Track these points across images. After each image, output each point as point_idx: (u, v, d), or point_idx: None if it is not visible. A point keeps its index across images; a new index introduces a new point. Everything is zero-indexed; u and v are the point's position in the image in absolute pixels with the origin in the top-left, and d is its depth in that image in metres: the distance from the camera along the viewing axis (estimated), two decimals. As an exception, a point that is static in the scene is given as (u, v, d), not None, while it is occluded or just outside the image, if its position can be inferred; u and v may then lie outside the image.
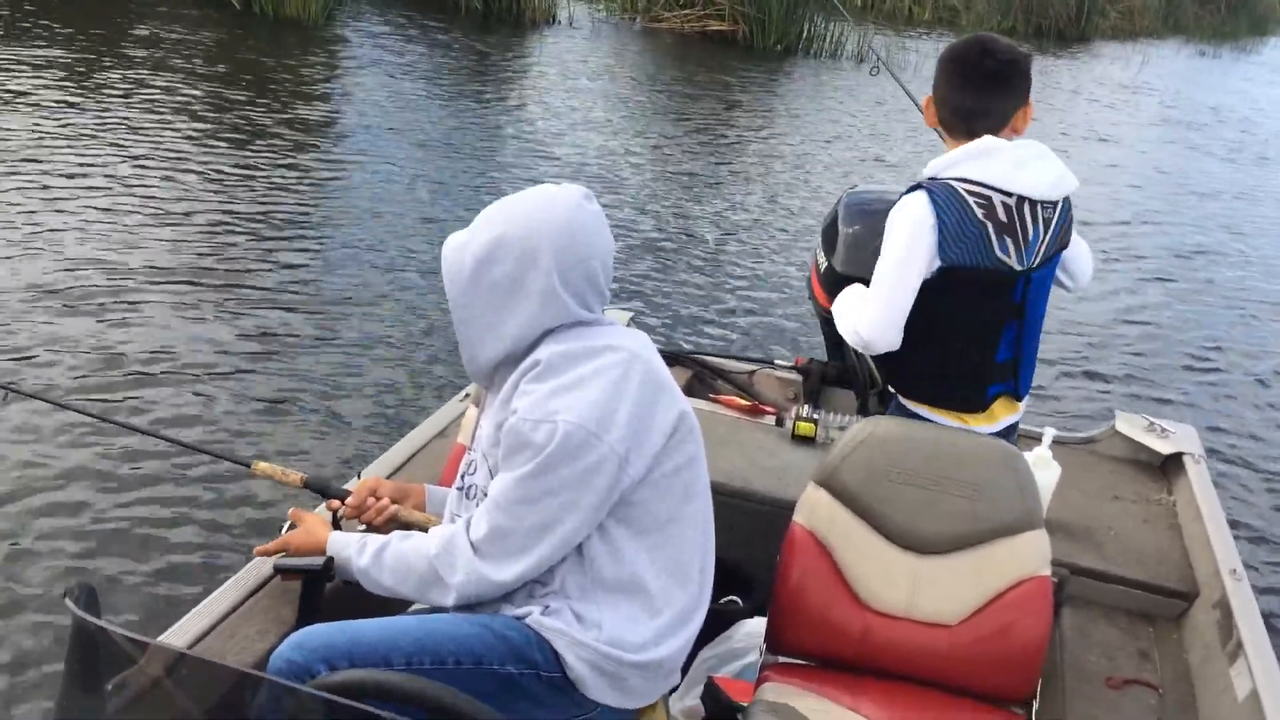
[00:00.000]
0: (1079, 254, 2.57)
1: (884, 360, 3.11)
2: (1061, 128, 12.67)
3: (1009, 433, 2.50)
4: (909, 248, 2.30)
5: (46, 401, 2.46)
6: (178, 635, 1.86)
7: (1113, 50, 20.71)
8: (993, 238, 2.30)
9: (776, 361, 3.51)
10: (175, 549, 3.24)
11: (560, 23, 14.63)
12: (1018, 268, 2.34)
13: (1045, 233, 2.36)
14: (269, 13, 11.37)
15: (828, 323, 3.35)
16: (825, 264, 3.31)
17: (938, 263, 2.31)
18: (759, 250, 6.91)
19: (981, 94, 2.35)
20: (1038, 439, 2.74)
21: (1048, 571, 2.02)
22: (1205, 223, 9.47)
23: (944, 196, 2.30)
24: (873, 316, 2.37)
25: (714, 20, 14.96)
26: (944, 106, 2.39)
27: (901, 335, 2.38)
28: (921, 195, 2.32)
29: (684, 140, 9.53)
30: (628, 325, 1.91)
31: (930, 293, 2.34)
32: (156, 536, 3.29)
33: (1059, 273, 2.53)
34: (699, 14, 15.05)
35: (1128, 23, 23.53)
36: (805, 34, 15.09)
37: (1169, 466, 3.10)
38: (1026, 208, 2.32)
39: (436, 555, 1.75)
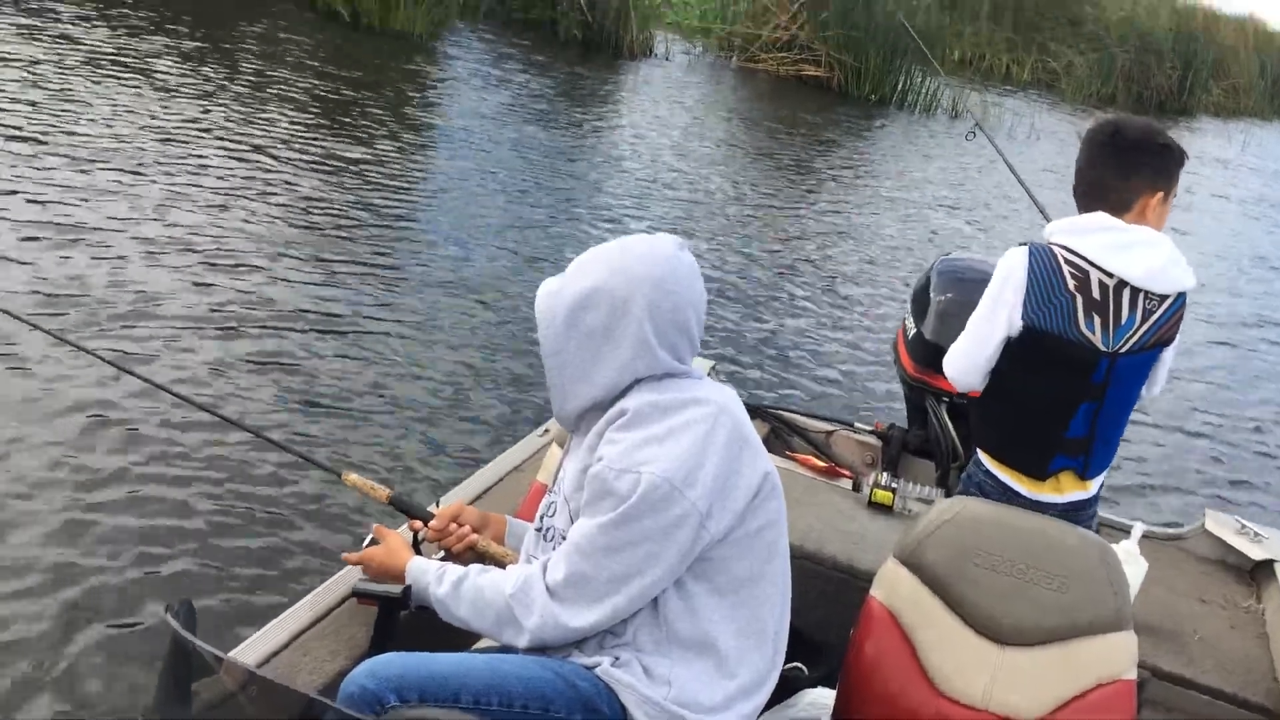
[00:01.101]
0: (1164, 366, 2.48)
1: (965, 429, 3.08)
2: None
3: (1079, 508, 2.45)
4: (997, 297, 2.35)
5: (154, 385, 2.50)
6: (253, 648, 1.88)
7: (1215, 127, 20.32)
8: (1079, 311, 2.30)
9: (856, 424, 3.47)
10: (258, 550, 3.29)
11: (656, 56, 14.79)
12: (1101, 348, 2.31)
13: (1142, 322, 2.32)
14: (376, 26, 11.66)
15: (912, 389, 3.33)
16: (914, 330, 3.28)
17: (1020, 322, 2.32)
18: (844, 306, 6.86)
19: (1105, 171, 2.35)
20: (1125, 531, 2.67)
21: (1133, 675, 1.96)
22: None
23: (1042, 258, 2.33)
24: (957, 355, 2.45)
25: (810, 65, 15.00)
26: (1076, 177, 2.42)
27: (983, 379, 2.42)
28: (1023, 251, 2.36)
29: (774, 186, 9.53)
30: (709, 374, 1.90)
31: (1013, 351, 2.36)
32: (241, 532, 3.35)
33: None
34: (795, 58, 15.10)
35: (1231, 100, 23.10)
36: (900, 86, 15.05)
37: (1259, 572, 3.00)
38: (1126, 292, 2.30)
39: (513, 595, 1.74)
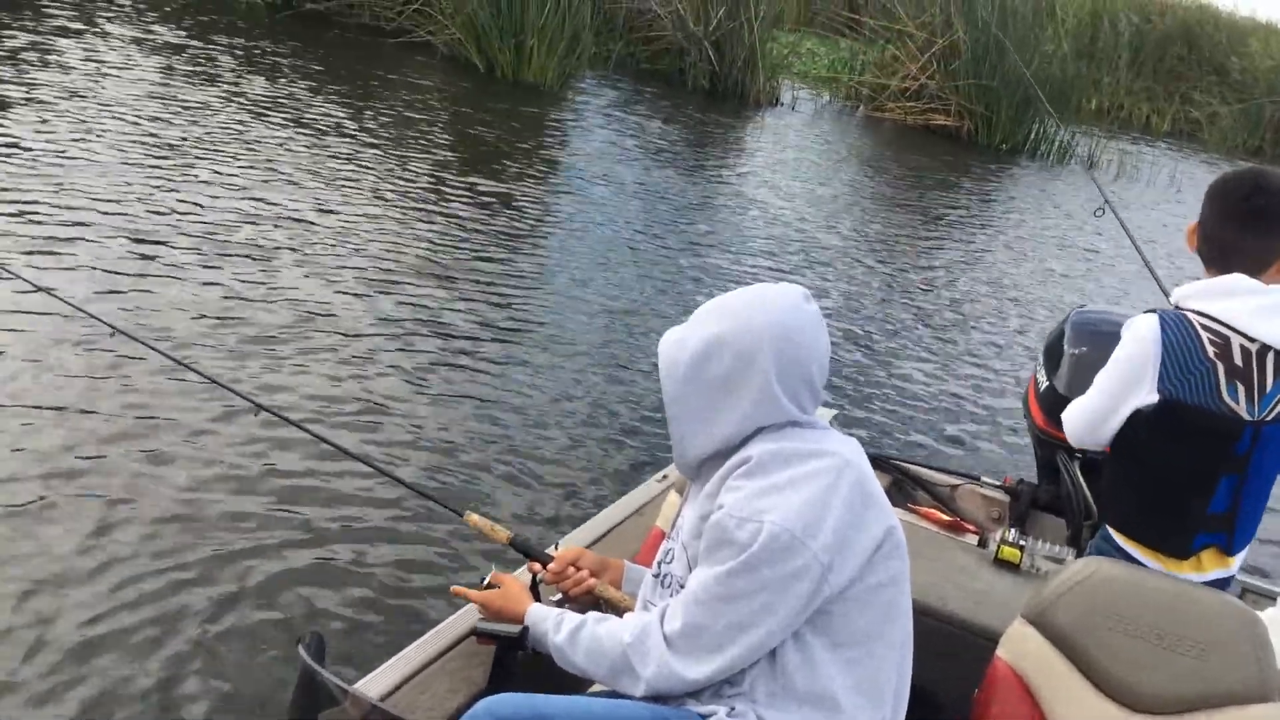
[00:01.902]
0: None
1: (1098, 485, 2.96)
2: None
3: (1221, 586, 2.33)
4: (1126, 363, 2.27)
5: (290, 423, 2.61)
6: (375, 683, 1.93)
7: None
8: (1221, 380, 2.19)
9: (983, 478, 3.38)
10: (379, 586, 3.37)
11: (783, 105, 14.85)
12: (1246, 417, 2.19)
13: None
14: (509, 77, 12.03)
15: (1042, 443, 3.23)
16: (1046, 383, 3.19)
17: (1155, 394, 2.22)
18: (972, 357, 6.70)
19: (1244, 230, 2.24)
20: (1272, 599, 2.52)
21: None
22: None
23: (1175, 325, 2.22)
24: (1077, 416, 2.39)
25: (938, 115, 14.82)
26: (1206, 237, 2.30)
27: (1098, 440, 2.35)
28: (1153, 319, 2.25)
29: (902, 233, 9.42)
30: (830, 423, 1.88)
31: (1146, 425, 2.25)
32: (363, 568, 3.44)
33: None
34: (923, 107, 14.95)
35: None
36: (1032, 135, 14.74)
37: None
38: (1271, 358, 2.18)
39: (630, 644, 1.75)
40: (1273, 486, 2.35)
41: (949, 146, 14.09)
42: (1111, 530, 2.39)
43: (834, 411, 3.57)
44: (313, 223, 6.38)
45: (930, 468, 3.46)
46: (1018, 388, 6.15)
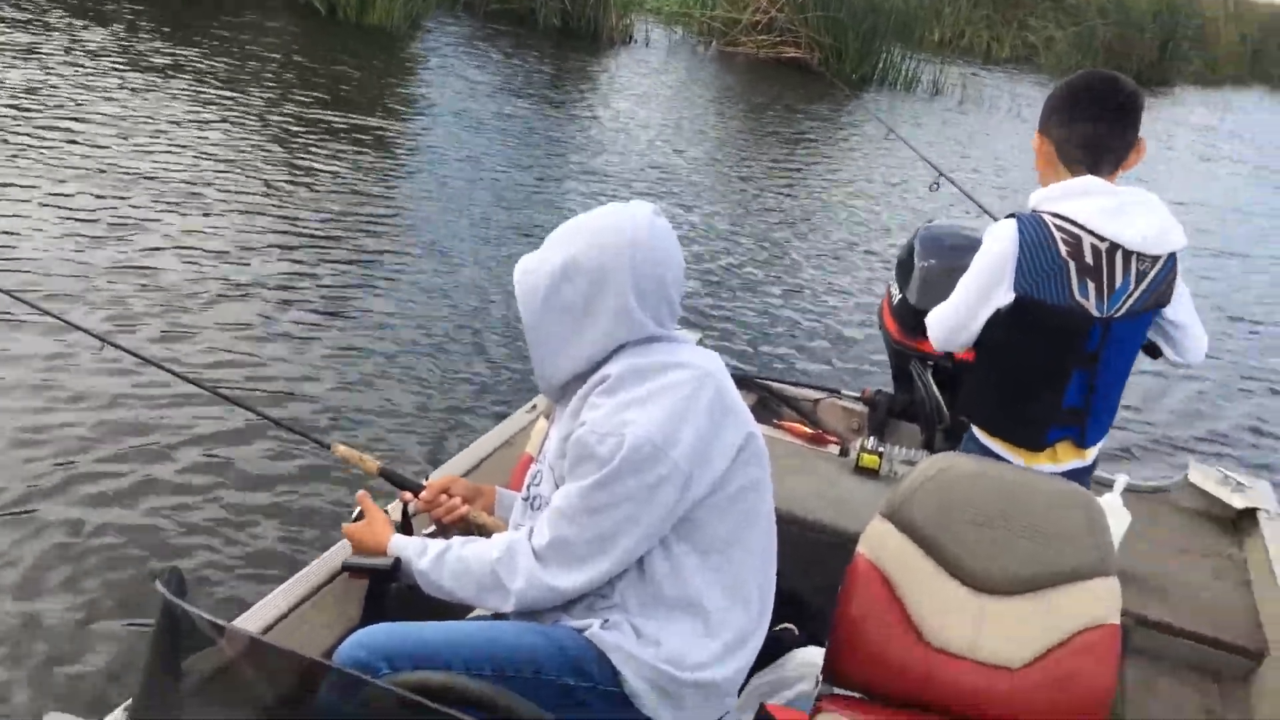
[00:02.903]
0: (1190, 328, 2.44)
1: (950, 392, 3.09)
2: (1143, 177, 12.47)
3: (1076, 477, 2.42)
4: (986, 266, 2.33)
5: (137, 357, 2.49)
6: (248, 622, 1.90)
7: (1195, 96, 20.38)
8: (1073, 278, 2.27)
9: (843, 391, 3.49)
10: (249, 524, 3.31)
11: (636, 42, 14.76)
12: (1095, 314, 2.29)
13: (1137, 285, 2.29)
14: (352, 19, 11.61)
15: (897, 354, 3.35)
16: (899, 296, 3.30)
17: (1012, 293, 2.29)
18: (828, 277, 6.88)
19: (1098, 129, 2.30)
20: (1109, 485, 2.69)
21: (1116, 620, 1.98)
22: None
23: (1032, 227, 2.29)
24: (941, 319, 2.43)
25: (790, 47, 14.98)
26: (1056, 141, 2.34)
27: (961, 342, 2.41)
28: (1011, 222, 2.32)
29: (757, 164, 9.54)
30: (698, 344, 1.91)
31: (1004, 322, 2.33)
32: (231, 507, 3.37)
33: (1161, 341, 2.45)
34: (775, 40, 15.08)
35: (1210, 69, 23.15)
36: (881, 65, 15.05)
37: (1242, 521, 3.03)
38: (1119, 256, 2.27)
39: (498, 560, 1.76)
40: (1124, 383, 2.45)
41: (801, 78, 14.27)
42: (975, 429, 2.48)
43: (700, 334, 3.62)
44: (164, 166, 6.16)
45: (792, 384, 3.56)
46: (873, 304, 6.35)
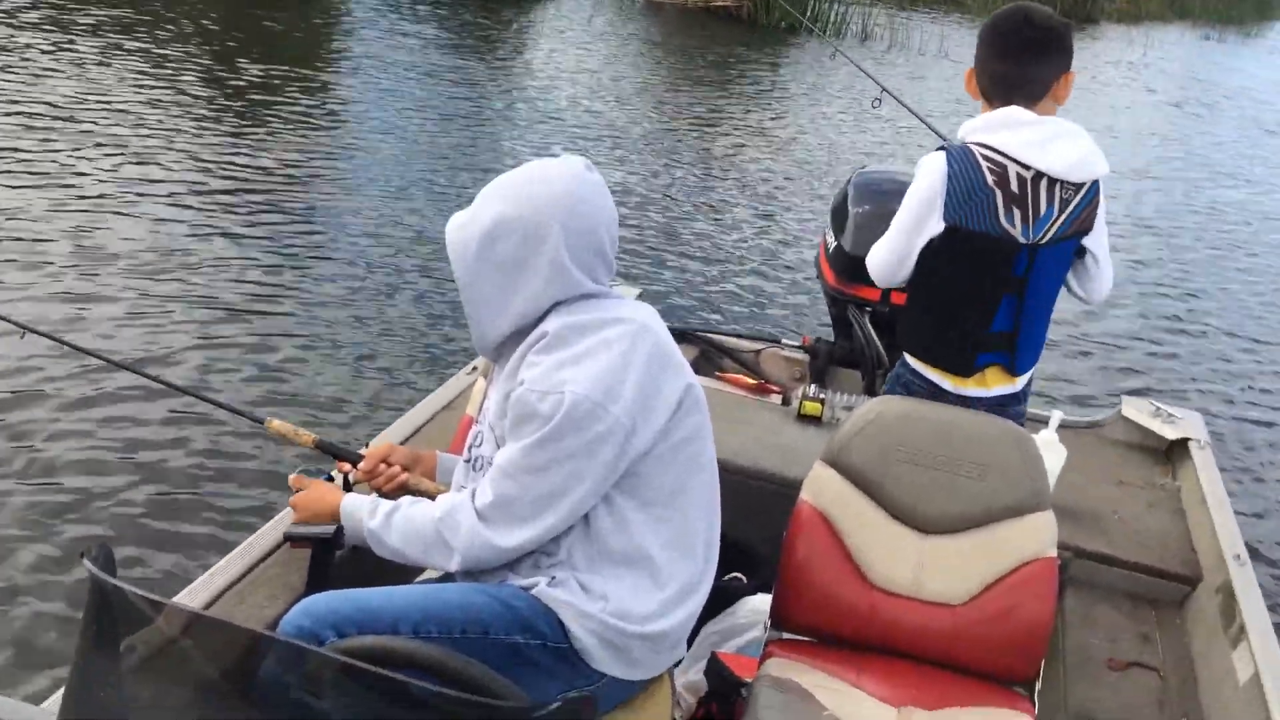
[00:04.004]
0: (1102, 263, 2.48)
1: (887, 336, 3.12)
2: (1068, 111, 12.60)
3: (1009, 402, 2.48)
4: (917, 198, 2.37)
5: (63, 344, 2.42)
6: (190, 598, 1.87)
7: (1119, 33, 20.62)
8: (1000, 205, 2.32)
9: (784, 340, 3.50)
10: (186, 504, 3.26)
11: (564, -5, 14.56)
12: (1021, 240, 2.34)
13: (1060, 212, 2.35)
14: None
15: (835, 301, 3.36)
16: (834, 244, 3.31)
17: (942, 222, 2.35)
18: (766, 228, 6.89)
19: (1022, 61, 2.35)
20: (1045, 422, 2.74)
21: (1053, 553, 2.02)
22: (1214, 207, 9.46)
23: (960, 157, 2.34)
24: (880, 254, 2.47)
25: (718, -4, 14.87)
26: (984, 74, 2.40)
27: (901, 276, 2.45)
28: (940, 154, 2.37)
29: (688, 116, 9.48)
30: (637, 300, 1.90)
31: (935, 251, 2.38)
32: (168, 490, 3.31)
33: (1071, 274, 2.49)
34: (703, -12, 14.96)
35: (1133, 6, 23.44)
36: (809, 11, 15.01)
37: (1174, 452, 3.11)
38: (1044, 184, 2.32)
39: (441, 519, 1.74)
40: (1050, 309, 2.50)
41: (730, 28, 14.19)
42: (907, 356, 2.54)
43: (638, 290, 3.60)
44: (74, 134, 5.96)
45: (733, 336, 3.56)
46: (811, 251, 6.38)
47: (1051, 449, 2.61)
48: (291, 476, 2.00)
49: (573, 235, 1.74)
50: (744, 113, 9.92)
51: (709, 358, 3.46)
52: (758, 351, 3.46)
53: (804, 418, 3.03)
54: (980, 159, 2.32)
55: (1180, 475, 3.00)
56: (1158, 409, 3.21)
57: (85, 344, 2.55)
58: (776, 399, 3.18)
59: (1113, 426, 3.21)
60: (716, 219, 6.86)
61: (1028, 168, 2.31)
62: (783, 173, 8.20)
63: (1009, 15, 2.39)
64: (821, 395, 3.06)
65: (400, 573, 1.86)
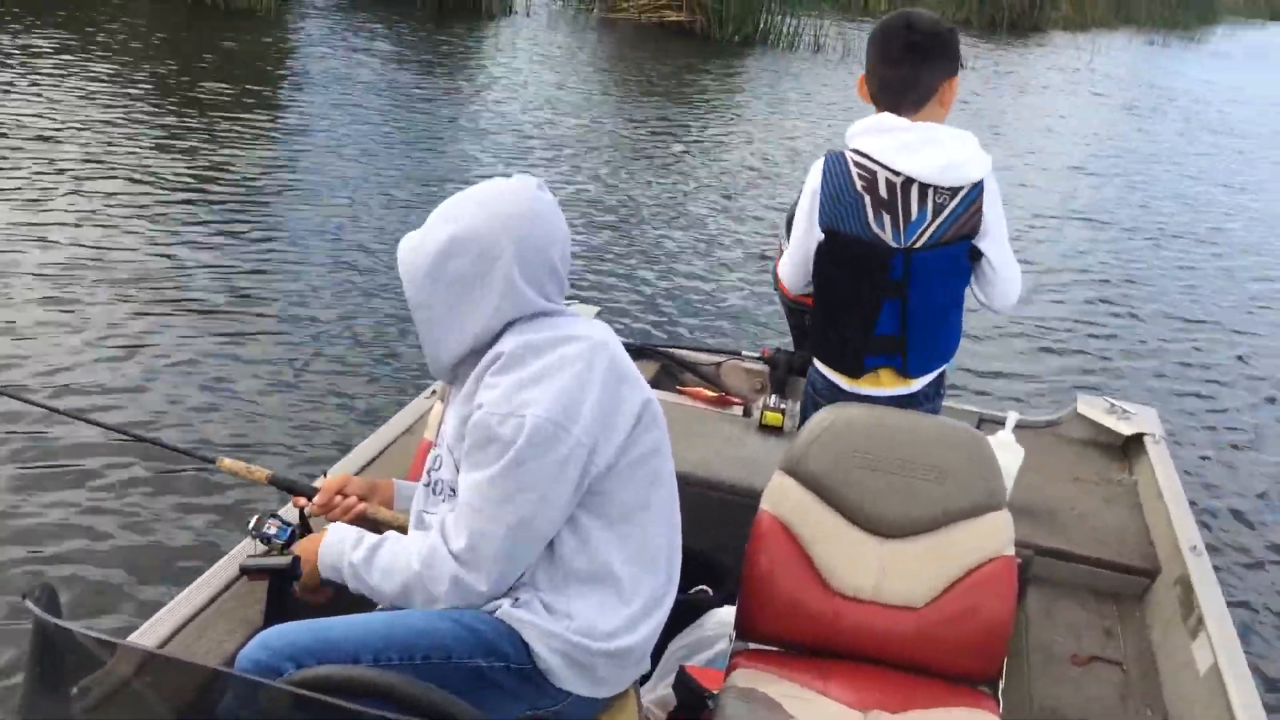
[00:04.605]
0: (1001, 270, 2.45)
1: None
2: (1016, 115, 12.82)
3: (905, 403, 2.49)
4: (803, 205, 2.46)
5: (4, 394, 2.40)
6: (144, 636, 1.84)
7: (1065, 40, 20.96)
8: (869, 211, 2.36)
9: (743, 352, 3.52)
10: (138, 548, 3.19)
11: (517, 12, 14.58)
12: (893, 245, 2.37)
13: (934, 217, 2.36)
14: (221, 4, 11.23)
15: (793, 312, 3.37)
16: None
17: (819, 227, 2.41)
18: (723, 240, 6.92)
19: (905, 66, 2.37)
20: (1001, 423, 2.77)
21: (1011, 552, 2.04)
22: (1159, 205, 9.62)
23: (834, 164, 2.40)
24: (783, 262, 2.59)
25: (671, 11, 14.95)
26: (873, 80, 2.42)
27: (803, 283, 2.55)
28: (820, 161, 2.44)
29: (644, 130, 9.52)
30: (594, 319, 1.90)
31: (821, 256, 2.45)
32: (119, 535, 3.25)
33: (973, 279, 2.48)
34: (656, 4, 15.04)
35: (1079, 14, 23.81)
36: (762, 25, 15.13)
37: (1130, 447, 3.15)
38: (915, 189, 2.35)
39: (422, 572, 1.72)
40: (946, 314, 2.50)
41: (685, 42, 14.28)
42: (814, 358, 2.60)
43: (596, 308, 3.60)
44: (13, 162, 5.87)
45: (693, 349, 3.57)
46: (768, 262, 6.41)
47: (1009, 449, 2.64)
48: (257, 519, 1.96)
49: (525, 254, 1.75)
50: (700, 126, 9.98)
51: (670, 372, 3.47)
52: (718, 364, 3.47)
53: (765, 428, 3.04)
54: (851, 164, 2.37)
55: (1136, 470, 3.04)
56: (1112, 405, 3.25)
57: (17, 385, 2.51)
58: (738, 410, 3.19)
59: (1069, 425, 3.25)
60: (674, 233, 6.88)
61: (897, 173, 2.34)
62: (739, 185, 8.25)
63: (893, 21, 2.42)
64: (782, 405, 3.08)
65: (360, 600, 1.84)
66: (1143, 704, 2.29)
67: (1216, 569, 2.53)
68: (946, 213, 2.36)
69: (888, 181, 2.35)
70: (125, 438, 2.42)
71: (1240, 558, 4.17)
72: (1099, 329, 6.44)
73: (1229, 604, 2.38)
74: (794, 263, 2.53)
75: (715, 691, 2.05)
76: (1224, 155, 12.40)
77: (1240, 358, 6.35)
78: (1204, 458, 4.99)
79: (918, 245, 2.37)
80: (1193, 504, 2.84)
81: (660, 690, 2.29)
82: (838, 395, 2.48)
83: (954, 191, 2.35)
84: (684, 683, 2.20)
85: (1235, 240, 8.88)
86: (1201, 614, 2.31)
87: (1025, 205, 8.53)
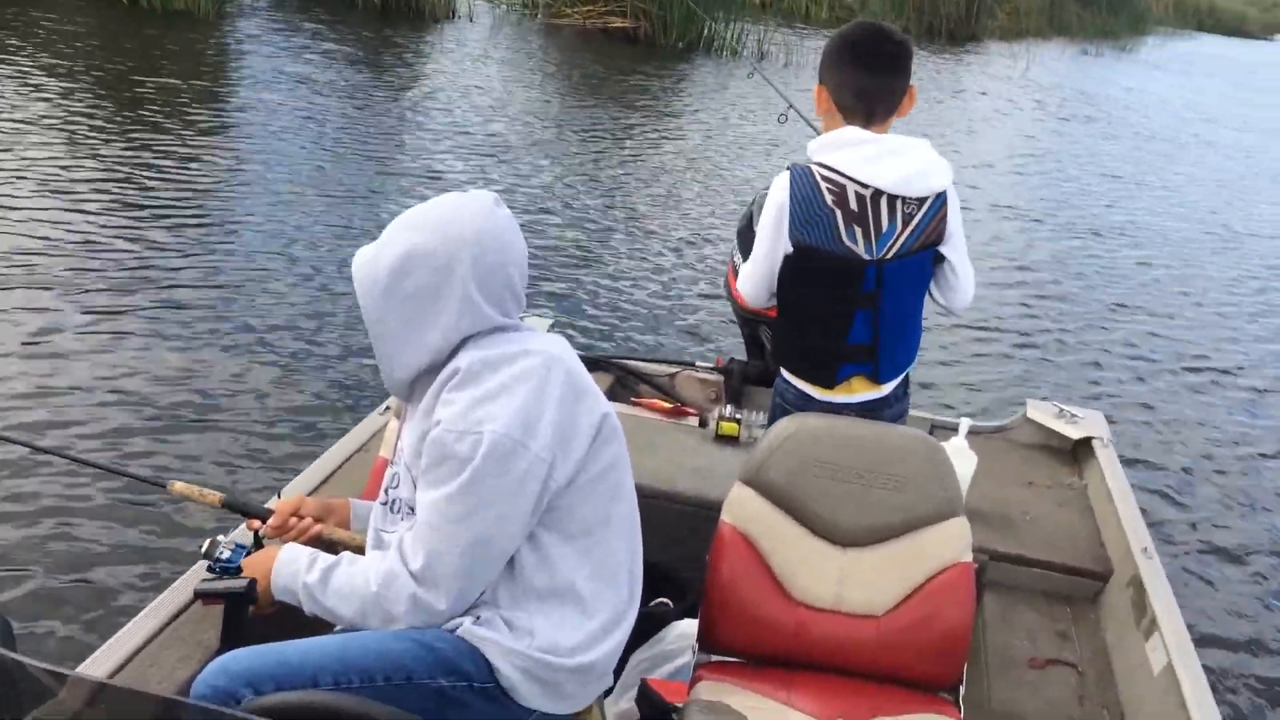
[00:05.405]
0: (960, 271, 2.49)
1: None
2: (953, 123, 13.01)
3: (877, 406, 2.52)
4: (768, 220, 2.43)
5: None
6: (97, 665, 1.78)
7: (1001, 49, 21.35)
8: (840, 225, 2.37)
9: (698, 363, 3.52)
10: (89, 575, 3.10)
11: (460, 17, 14.51)
12: (865, 257, 2.39)
13: (904, 227, 2.38)
14: (157, 7, 11.02)
15: (747, 323, 3.39)
16: (742, 264, 3.34)
17: (789, 243, 2.40)
18: (675, 250, 6.92)
19: (882, 76, 2.39)
20: (954, 429, 2.80)
21: (969, 558, 2.06)
22: (1100, 211, 9.84)
23: (801, 178, 2.39)
24: (745, 276, 2.55)
25: (615, 17, 14.97)
26: (846, 90, 2.40)
27: (767, 298, 2.53)
28: (785, 175, 2.42)
29: (590, 140, 9.51)
30: (548, 331, 1.88)
31: (789, 270, 2.44)
32: (69, 562, 3.16)
33: (934, 287, 2.53)
34: (600, 10, 15.05)
35: (1014, 23, 24.29)
36: (706, 32, 15.21)
37: (1079, 451, 3.20)
38: (884, 201, 2.37)
39: (380, 593, 1.69)
40: (913, 319, 2.54)
41: (628, 49, 14.30)
42: (782, 370, 2.60)
43: (550, 321, 3.58)
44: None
45: (648, 361, 3.56)
46: (719, 271, 6.43)
47: (962, 455, 2.66)
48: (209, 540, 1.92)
49: (482, 269, 1.73)
50: (647, 133, 9.99)
51: (624, 384, 3.46)
52: (673, 375, 3.47)
53: (721, 438, 3.04)
54: (820, 179, 2.37)
55: (1086, 474, 3.09)
56: (1060, 410, 3.30)
57: None
58: (693, 421, 3.19)
59: (1019, 430, 3.29)
60: (621, 244, 6.86)
61: (865, 186, 2.35)
62: (689, 193, 8.26)
63: (866, 32, 2.43)
64: (738, 415, 3.08)
65: (317, 622, 1.80)
66: (1099, 705, 2.32)
67: (1167, 569, 2.57)
68: (915, 222, 2.39)
69: (857, 194, 2.36)
70: (72, 463, 2.35)
71: (1189, 559, 4.26)
72: (1044, 334, 6.55)
73: (1181, 605, 2.42)
74: (757, 276, 2.51)
75: (679, 705, 2.04)
76: (1148, 158, 12.74)
77: (1178, 354, 6.54)
78: (1148, 458, 5.10)
79: (889, 256, 2.39)
80: (1142, 506, 2.89)
81: (623, 704, 2.28)
82: (809, 405, 2.48)
83: (921, 201, 2.38)
84: (647, 696, 2.18)
85: (1159, 238, 9.18)
86: (1154, 615, 2.35)
87: (965, 210, 8.66)
